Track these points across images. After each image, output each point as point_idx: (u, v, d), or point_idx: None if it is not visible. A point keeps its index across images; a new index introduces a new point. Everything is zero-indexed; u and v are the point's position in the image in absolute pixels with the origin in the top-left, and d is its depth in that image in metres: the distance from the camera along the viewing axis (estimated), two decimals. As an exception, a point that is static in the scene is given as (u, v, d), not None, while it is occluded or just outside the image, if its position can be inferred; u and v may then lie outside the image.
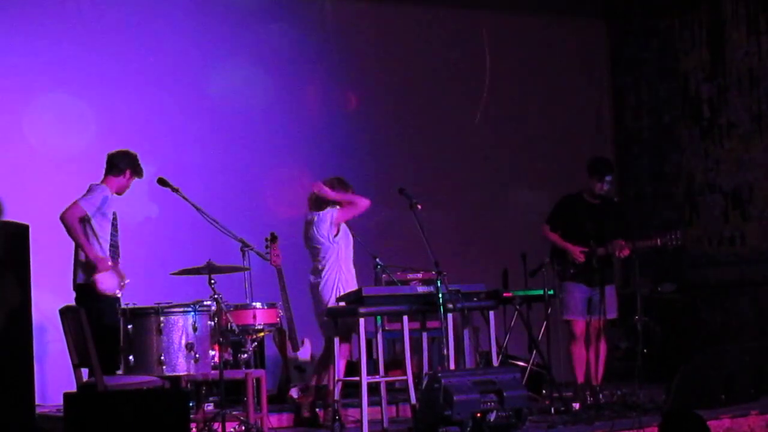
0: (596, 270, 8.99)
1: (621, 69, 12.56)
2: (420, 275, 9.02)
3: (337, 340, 8.30)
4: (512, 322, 9.75)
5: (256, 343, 8.41)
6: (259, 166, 10.56)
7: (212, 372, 7.73)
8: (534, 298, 9.57)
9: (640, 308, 9.08)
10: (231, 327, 7.75)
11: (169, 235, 9.62)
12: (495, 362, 8.67)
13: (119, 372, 7.68)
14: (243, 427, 7.79)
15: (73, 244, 8.09)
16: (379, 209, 9.27)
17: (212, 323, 7.68)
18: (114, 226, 8.17)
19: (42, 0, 9.83)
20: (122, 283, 8.08)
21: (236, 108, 10.56)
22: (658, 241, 9.02)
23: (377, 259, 8.62)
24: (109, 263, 8.01)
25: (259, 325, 8.13)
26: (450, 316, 8.22)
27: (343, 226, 8.56)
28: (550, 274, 9.13)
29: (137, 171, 8.34)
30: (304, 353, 9.59)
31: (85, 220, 8.03)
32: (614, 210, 9.25)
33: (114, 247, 8.15)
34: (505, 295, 9.48)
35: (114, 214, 8.17)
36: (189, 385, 7.90)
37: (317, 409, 8.60)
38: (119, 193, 8.30)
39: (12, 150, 9.51)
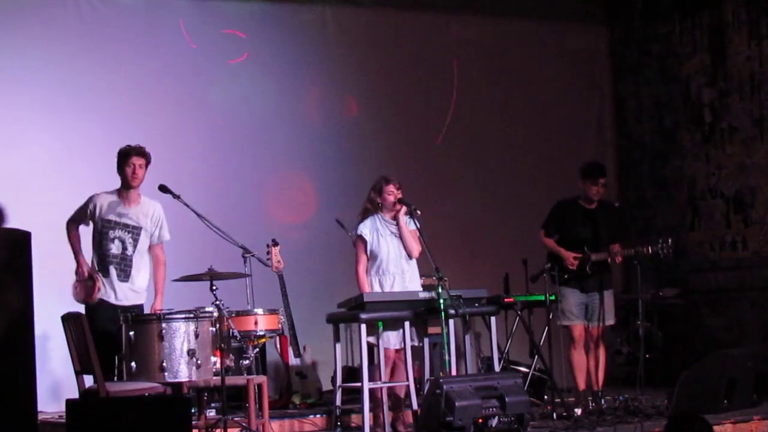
0: (590, 276, 8.98)
1: (622, 74, 12.56)
2: (422, 281, 9.01)
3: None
4: (514, 328, 9.75)
5: (257, 350, 8.41)
6: (260, 172, 10.57)
7: (214, 378, 7.72)
8: (535, 303, 9.58)
9: (642, 313, 9.07)
10: (232, 333, 7.74)
11: (171, 241, 9.59)
12: (496, 368, 8.67)
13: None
14: (245, 434, 7.79)
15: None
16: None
17: (214, 329, 7.68)
18: (104, 234, 8.00)
19: (41, 7, 9.85)
20: (90, 296, 7.94)
21: (237, 114, 10.57)
22: (650, 249, 8.98)
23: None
24: (85, 273, 7.97)
25: (261, 331, 8.14)
26: (451, 321, 8.22)
27: None
28: (551, 280, 9.13)
29: (121, 163, 8.06)
30: (306, 359, 9.59)
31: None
32: (612, 214, 9.23)
33: (104, 257, 8.01)
34: (506, 300, 9.50)
35: (104, 222, 8.01)
36: (190, 392, 7.89)
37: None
38: (130, 185, 8.07)
39: (14, 157, 9.51)
